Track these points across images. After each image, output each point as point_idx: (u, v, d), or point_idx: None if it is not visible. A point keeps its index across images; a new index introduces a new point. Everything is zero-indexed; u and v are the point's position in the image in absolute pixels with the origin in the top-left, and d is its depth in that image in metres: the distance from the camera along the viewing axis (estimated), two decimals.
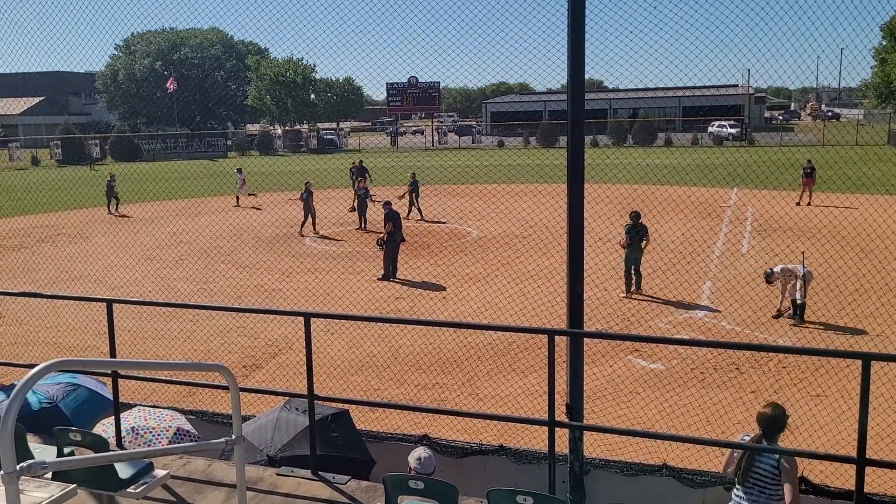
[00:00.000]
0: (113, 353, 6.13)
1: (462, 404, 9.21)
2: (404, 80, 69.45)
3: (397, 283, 15.77)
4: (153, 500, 5.02)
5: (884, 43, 66.11)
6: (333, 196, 25.22)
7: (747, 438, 4.92)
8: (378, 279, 16.01)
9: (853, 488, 4.33)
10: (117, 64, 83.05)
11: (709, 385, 9.50)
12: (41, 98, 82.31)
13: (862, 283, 13.97)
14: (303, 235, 21.92)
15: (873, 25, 67.17)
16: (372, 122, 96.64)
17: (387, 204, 16.70)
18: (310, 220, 22.26)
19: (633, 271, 14.25)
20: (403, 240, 17.09)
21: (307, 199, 22.11)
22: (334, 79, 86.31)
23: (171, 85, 67.35)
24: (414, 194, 24.38)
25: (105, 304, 6.09)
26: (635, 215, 14.26)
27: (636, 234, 14.16)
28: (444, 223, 23.31)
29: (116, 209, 28.40)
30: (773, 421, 4.82)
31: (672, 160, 34.96)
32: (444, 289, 15.12)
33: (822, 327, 11.87)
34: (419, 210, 24.49)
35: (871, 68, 69.88)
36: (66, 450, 4.75)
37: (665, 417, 8.31)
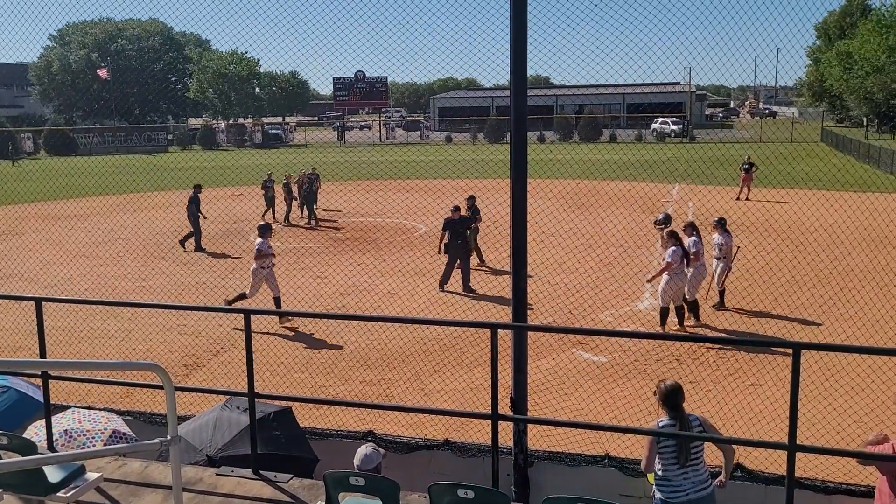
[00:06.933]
0: (43, 354, 5.90)
1: (408, 400, 9.18)
2: (351, 75, 68.91)
3: (346, 279, 15.58)
4: (86, 503, 4.85)
5: (818, 43, 68.61)
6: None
7: (664, 422, 4.97)
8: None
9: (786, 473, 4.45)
10: (51, 55, 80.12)
11: (651, 376, 9.68)
12: None
13: (794, 275, 14.45)
14: (291, 225, 22.84)
15: (808, 26, 69.62)
16: (318, 117, 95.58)
17: (454, 209, 14.71)
18: (294, 209, 23.47)
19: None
20: (468, 249, 14.76)
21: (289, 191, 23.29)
22: (279, 72, 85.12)
23: (104, 74, 65.38)
24: (307, 192, 23.54)
25: (34, 302, 5.85)
26: (470, 199, 15.91)
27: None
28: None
29: (287, 219, 23.47)
30: (679, 389, 5.00)
31: (616, 156, 35.54)
32: (390, 284, 15.04)
33: (757, 318, 12.22)
34: (307, 210, 23.75)
35: (806, 67, 72.56)
36: None
37: (608, 409, 8.43)
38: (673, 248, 11.44)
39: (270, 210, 23.48)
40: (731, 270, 12.85)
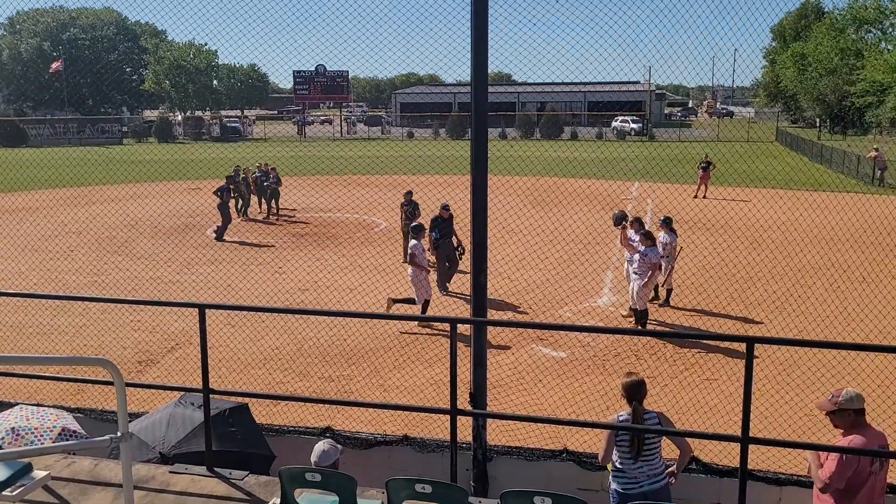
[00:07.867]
0: None
1: (368, 395, 9.12)
2: (312, 69, 68.16)
3: (305, 275, 15.42)
4: (33, 502, 4.70)
5: (773, 44, 70.28)
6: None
7: (623, 416, 5.05)
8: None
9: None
10: (1, 43, 77.73)
11: (609, 371, 9.78)
12: None
13: (749, 271, 14.75)
14: (249, 220, 22.73)
15: (764, 27, 71.22)
16: (278, 111, 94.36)
17: (444, 208, 14.06)
18: (252, 203, 23.41)
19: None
20: (457, 251, 13.91)
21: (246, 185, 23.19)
22: (238, 65, 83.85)
23: (56, 66, 63.73)
24: (265, 187, 23.31)
25: None
26: (408, 193, 16.41)
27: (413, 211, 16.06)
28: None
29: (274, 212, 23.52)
30: (642, 384, 5.06)
31: (577, 153, 35.80)
32: (350, 280, 14.93)
33: (712, 315, 12.43)
34: (266, 207, 23.57)
35: (762, 68, 74.26)
36: None
37: (566, 404, 8.49)
38: (651, 247, 11.46)
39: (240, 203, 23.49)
40: (674, 269, 12.97)
